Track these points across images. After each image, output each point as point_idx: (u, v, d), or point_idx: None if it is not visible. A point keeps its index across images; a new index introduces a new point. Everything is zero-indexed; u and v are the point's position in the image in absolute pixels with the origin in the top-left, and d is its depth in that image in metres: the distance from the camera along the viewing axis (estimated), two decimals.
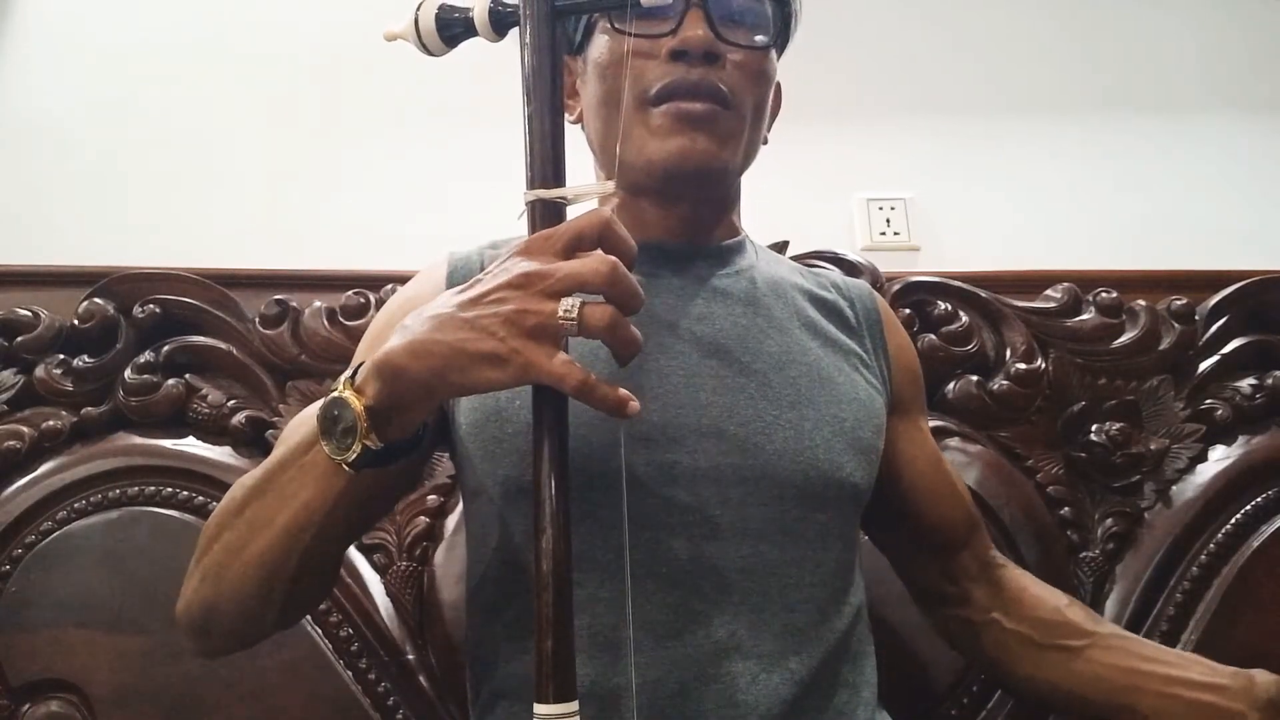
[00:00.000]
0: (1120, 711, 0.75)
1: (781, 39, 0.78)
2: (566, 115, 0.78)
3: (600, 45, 0.75)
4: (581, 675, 0.56)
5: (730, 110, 0.72)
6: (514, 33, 0.60)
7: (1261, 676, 0.69)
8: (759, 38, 0.75)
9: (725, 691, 0.62)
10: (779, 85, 0.81)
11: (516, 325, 0.50)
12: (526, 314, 0.50)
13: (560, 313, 0.50)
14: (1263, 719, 0.67)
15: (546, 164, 0.56)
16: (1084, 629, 0.79)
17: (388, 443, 0.55)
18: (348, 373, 0.56)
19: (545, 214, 0.55)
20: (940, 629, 0.88)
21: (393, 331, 0.73)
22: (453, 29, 0.62)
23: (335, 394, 0.55)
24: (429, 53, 0.64)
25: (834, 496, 0.70)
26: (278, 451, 0.63)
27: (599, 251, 0.53)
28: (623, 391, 0.51)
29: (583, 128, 0.80)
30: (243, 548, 0.62)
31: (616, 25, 0.73)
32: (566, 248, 0.52)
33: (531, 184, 0.56)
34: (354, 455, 0.54)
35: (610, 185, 0.57)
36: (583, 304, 0.50)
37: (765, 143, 0.81)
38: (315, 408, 0.73)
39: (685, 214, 0.77)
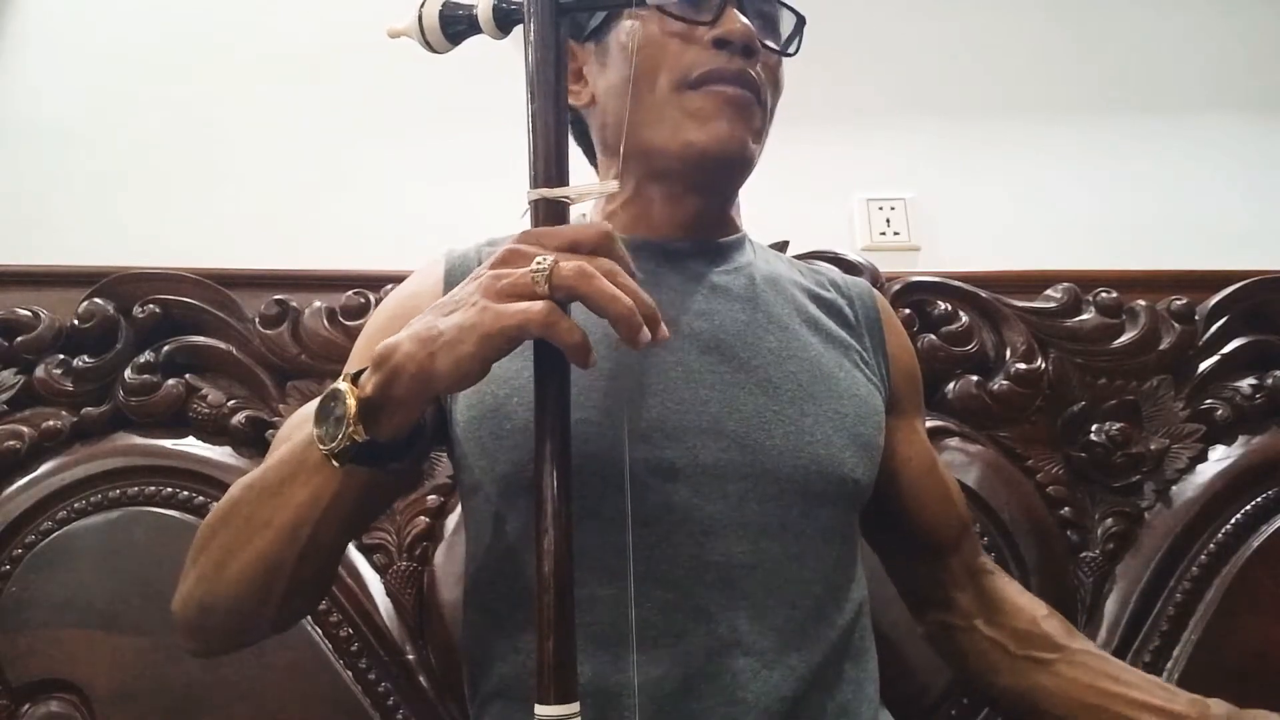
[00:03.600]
0: None
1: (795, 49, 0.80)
2: (572, 100, 0.77)
3: (631, 30, 0.74)
4: (582, 673, 0.56)
5: (761, 106, 0.74)
6: (518, 31, 0.60)
7: (1217, 706, 0.71)
8: (784, 42, 0.77)
9: (727, 688, 0.62)
10: None
11: (490, 290, 0.50)
12: (500, 278, 0.51)
13: (531, 267, 0.50)
14: None
15: (550, 163, 0.55)
16: (1056, 643, 0.79)
17: (377, 438, 0.55)
18: (354, 370, 0.57)
19: (548, 213, 0.55)
20: (925, 633, 0.88)
21: (390, 329, 0.73)
22: (457, 25, 0.62)
23: (334, 386, 0.56)
24: (432, 50, 0.64)
25: (835, 492, 0.70)
26: (277, 452, 0.63)
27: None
28: (585, 335, 0.50)
29: (588, 114, 0.80)
30: (240, 548, 0.62)
31: (665, 11, 0.72)
32: (559, 249, 0.52)
33: (535, 183, 0.56)
34: (340, 448, 0.54)
35: (613, 185, 0.57)
36: (555, 260, 0.49)
37: None
38: (310, 407, 0.73)
39: (695, 205, 0.77)
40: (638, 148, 0.73)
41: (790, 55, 0.78)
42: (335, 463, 0.56)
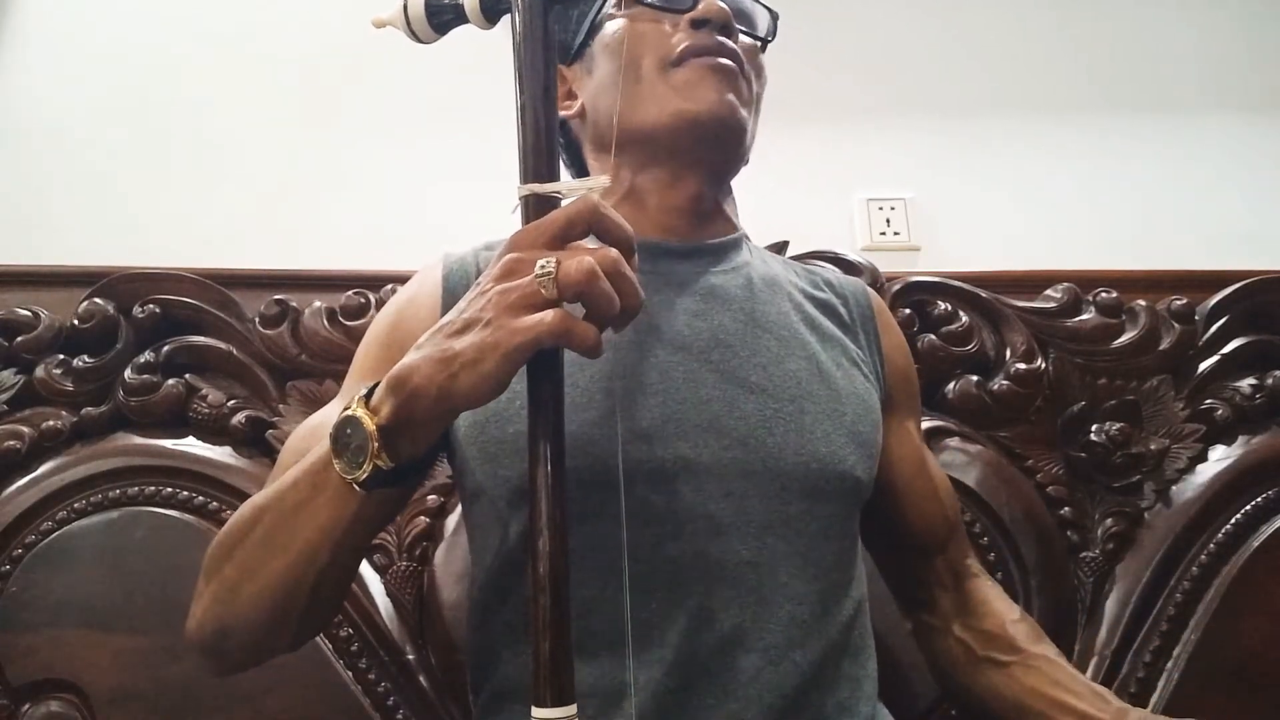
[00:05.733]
0: None
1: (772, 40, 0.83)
2: (563, 113, 0.79)
3: (613, 27, 0.77)
4: (584, 674, 0.56)
5: (744, 78, 0.76)
6: (506, 23, 0.59)
7: (1134, 714, 0.72)
8: (760, 30, 0.80)
9: (729, 686, 0.62)
10: None
11: (499, 306, 0.50)
12: (509, 292, 0.50)
13: (535, 271, 0.49)
14: None
15: (540, 158, 0.55)
16: (1017, 646, 0.80)
17: (399, 463, 0.55)
18: (363, 391, 0.56)
19: (539, 209, 0.54)
20: (912, 630, 0.89)
21: (392, 336, 0.73)
22: (443, 15, 0.62)
23: (349, 412, 0.55)
24: (418, 40, 0.63)
25: (835, 489, 0.70)
26: (290, 471, 0.63)
27: (591, 239, 0.53)
28: (598, 332, 0.50)
29: (579, 127, 0.82)
30: (256, 569, 0.61)
31: (641, 2, 0.76)
32: (556, 237, 0.52)
33: (525, 178, 0.55)
34: (365, 475, 0.54)
35: (605, 180, 0.55)
36: (559, 261, 0.49)
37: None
38: (317, 419, 0.73)
39: (691, 188, 0.77)
40: (630, 135, 0.74)
41: (767, 41, 0.81)
42: (359, 488, 0.55)
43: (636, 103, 0.74)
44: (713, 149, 0.76)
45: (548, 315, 0.49)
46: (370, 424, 0.53)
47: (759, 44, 0.81)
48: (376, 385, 0.55)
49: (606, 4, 0.79)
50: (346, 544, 0.60)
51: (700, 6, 0.75)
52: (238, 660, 0.68)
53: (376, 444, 0.53)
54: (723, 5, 0.75)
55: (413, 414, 0.53)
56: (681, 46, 0.74)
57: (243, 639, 0.64)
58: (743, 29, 0.78)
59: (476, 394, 0.51)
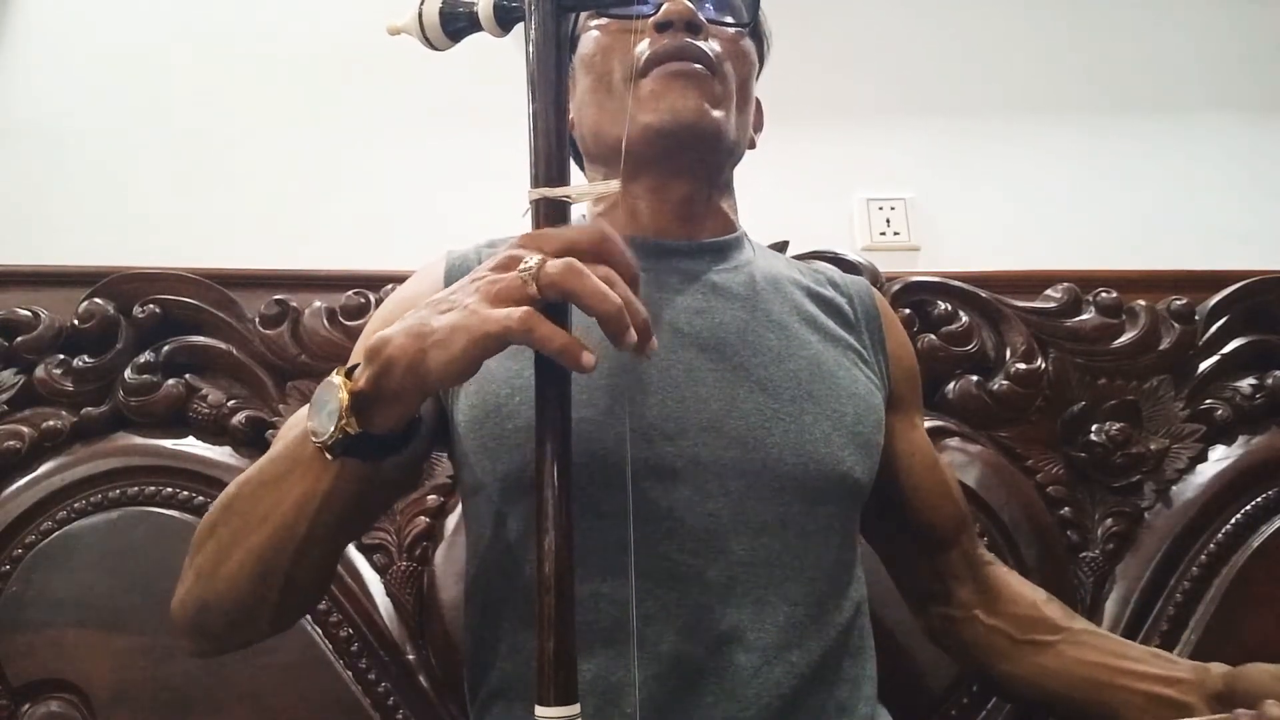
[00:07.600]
0: (1089, 706, 0.76)
1: (753, 24, 0.82)
2: None
3: (586, 42, 0.78)
4: (584, 670, 0.56)
5: (717, 76, 0.75)
6: (519, 29, 0.60)
7: (1216, 668, 0.71)
8: (737, 18, 0.79)
9: (726, 685, 0.62)
10: (759, 101, 0.84)
11: (483, 294, 0.51)
12: (495, 282, 0.51)
13: (518, 269, 0.50)
14: (1209, 709, 0.69)
15: (551, 163, 0.55)
16: (1057, 625, 0.80)
17: (370, 431, 0.55)
18: (349, 365, 0.57)
19: (549, 213, 0.55)
20: (925, 626, 0.88)
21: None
22: (457, 23, 0.62)
23: (328, 379, 0.56)
24: (432, 47, 0.64)
25: (834, 490, 0.70)
26: (272, 447, 0.64)
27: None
28: (575, 339, 0.50)
29: (572, 139, 0.82)
30: (235, 544, 0.62)
31: (607, 14, 0.76)
32: (557, 252, 0.52)
33: (535, 182, 0.55)
34: (332, 439, 0.54)
35: (614, 184, 0.56)
36: (543, 259, 0.50)
37: (753, 146, 0.83)
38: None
39: (680, 190, 0.77)
40: (611, 148, 0.74)
41: (745, 26, 0.79)
42: (329, 455, 0.56)
43: (612, 116, 0.74)
44: (689, 154, 0.76)
45: (516, 310, 0.49)
46: (344, 389, 0.54)
47: (740, 30, 0.80)
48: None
49: (580, 19, 0.79)
50: (322, 519, 0.60)
51: (662, 10, 0.74)
52: (218, 638, 0.68)
53: (345, 407, 0.54)
54: (686, 3, 0.74)
55: (386, 383, 0.53)
56: (645, 56, 0.74)
57: (222, 616, 0.64)
58: (716, 20, 0.78)
59: (444, 373, 0.51)
